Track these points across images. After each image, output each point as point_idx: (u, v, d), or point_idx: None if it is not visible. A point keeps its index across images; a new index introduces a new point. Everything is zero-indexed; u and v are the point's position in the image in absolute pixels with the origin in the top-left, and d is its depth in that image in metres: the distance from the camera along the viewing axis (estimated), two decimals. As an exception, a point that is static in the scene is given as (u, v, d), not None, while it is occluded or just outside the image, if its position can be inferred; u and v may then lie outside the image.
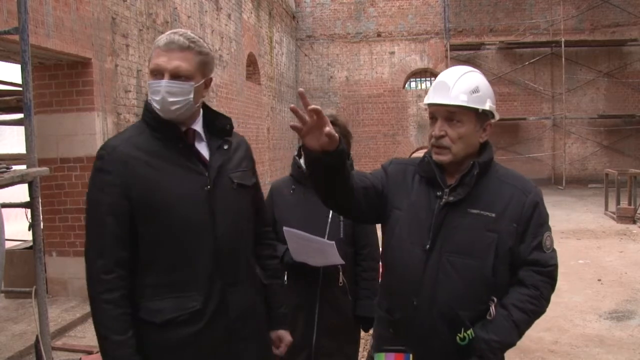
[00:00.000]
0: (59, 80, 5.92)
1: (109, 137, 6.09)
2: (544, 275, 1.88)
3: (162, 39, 1.82)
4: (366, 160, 17.59)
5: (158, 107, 1.80)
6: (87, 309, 5.65)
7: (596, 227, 10.11)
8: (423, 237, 1.88)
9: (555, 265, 1.91)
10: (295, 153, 2.78)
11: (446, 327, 1.85)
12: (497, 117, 1.94)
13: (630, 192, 10.67)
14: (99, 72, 6.04)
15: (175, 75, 1.78)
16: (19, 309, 5.62)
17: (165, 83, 1.77)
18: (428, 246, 1.87)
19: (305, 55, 17.80)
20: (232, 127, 1.98)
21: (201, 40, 1.87)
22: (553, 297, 1.97)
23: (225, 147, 1.94)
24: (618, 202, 10.83)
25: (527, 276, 1.87)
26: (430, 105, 1.89)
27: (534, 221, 1.87)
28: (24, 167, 3.55)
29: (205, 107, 1.96)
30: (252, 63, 12.81)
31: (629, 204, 10.65)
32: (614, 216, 10.67)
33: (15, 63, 5.46)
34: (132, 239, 1.80)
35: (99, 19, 6.04)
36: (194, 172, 1.85)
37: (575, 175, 16.97)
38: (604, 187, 11.79)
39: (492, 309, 1.83)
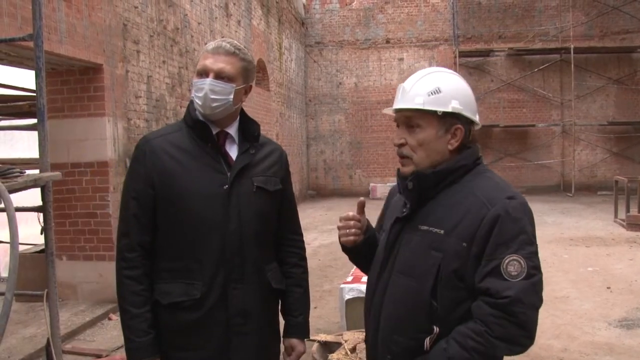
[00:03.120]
0: (70, 85, 5.99)
1: (120, 142, 6.18)
2: (496, 308, 1.51)
3: (211, 44, 1.99)
4: (375, 167, 17.61)
5: (200, 103, 1.94)
6: (97, 312, 5.70)
7: (605, 235, 10.05)
8: (382, 255, 1.80)
9: (515, 299, 1.50)
10: None
11: (388, 353, 1.69)
12: (476, 121, 1.73)
13: (640, 199, 10.61)
14: (110, 78, 6.10)
15: (219, 76, 1.93)
16: (29, 312, 5.66)
17: (209, 81, 1.92)
18: (380, 264, 1.78)
19: (314, 61, 17.85)
20: (259, 133, 2.09)
21: (246, 49, 2.02)
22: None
23: (252, 151, 2.04)
24: (628, 210, 10.75)
25: (476, 307, 1.55)
26: (395, 112, 1.76)
27: (493, 240, 1.54)
28: (36, 171, 3.58)
29: (242, 113, 2.08)
30: (261, 69, 12.87)
31: (639, 211, 10.59)
32: (624, 223, 10.60)
33: (29, 69, 5.52)
34: (154, 224, 1.97)
35: (110, 25, 6.10)
36: (216, 171, 1.97)
37: (584, 182, 16.88)
38: (614, 194, 11.72)
39: (427, 341, 1.59)
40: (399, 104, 1.72)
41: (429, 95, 1.66)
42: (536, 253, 1.58)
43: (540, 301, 1.57)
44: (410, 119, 1.70)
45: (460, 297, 1.59)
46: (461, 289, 1.59)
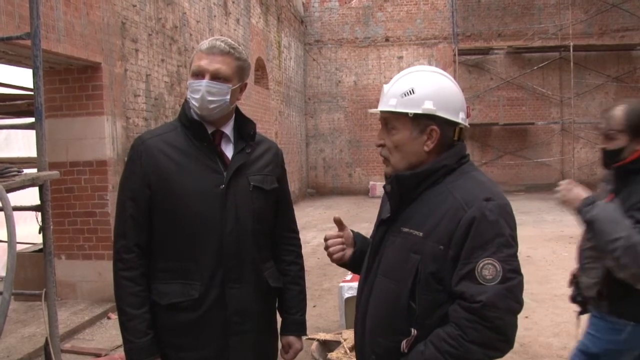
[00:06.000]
0: (69, 84, 5.98)
1: (118, 141, 6.17)
2: (470, 312, 1.48)
3: (205, 43, 1.97)
4: (374, 165, 17.60)
5: (197, 105, 1.93)
6: (96, 312, 5.69)
7: (605, 233, 10.03)
8: (368, 257, 1.80)
9: (487, 303, 1.47)
10: None
11: (373, 354, 1.68)
12: (456, 120, 1.65)
13: (639, 197, 10.59)
14: (109, 77, 6.09)
15: (215, 77, 1.92)
16: (27, 312, 5.66)
17: (205, 83, 1.91)
18: (367, 267, 1.78)
19: (314, 59, 17.84)
20: (255, 132, 2.08)
21: (240, 47, 2.01)
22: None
23: (248, 150, 2.03)
24: (627, 208, 10.75)
25: (452, 311, 1.53)
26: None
27: (469, 243, 1.51)
28: (34, 170, 3.58)
29: (238, 112, 2.08)
30: (260, 67, 12.86)
31: (639, 209, 10.57)
32: (624, 221, 10.59)
33: (27, 67, 5.51)
34: (151, 224, 1.96)
35: (108, 23, 6.09)
36: (212, 170, 1.96)
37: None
38: (613, 192, 11.71)
39: (403, 343, 1.57)
40: (379, 105, 1.72)
41: (402, 96, 1.64)
42: (514, 255, 1.54)
43: (519, 305, 1.53)
44: (386, 120, 1.69)
45: (439, 299, 1.56)
46: (440, 291, 1.56)
